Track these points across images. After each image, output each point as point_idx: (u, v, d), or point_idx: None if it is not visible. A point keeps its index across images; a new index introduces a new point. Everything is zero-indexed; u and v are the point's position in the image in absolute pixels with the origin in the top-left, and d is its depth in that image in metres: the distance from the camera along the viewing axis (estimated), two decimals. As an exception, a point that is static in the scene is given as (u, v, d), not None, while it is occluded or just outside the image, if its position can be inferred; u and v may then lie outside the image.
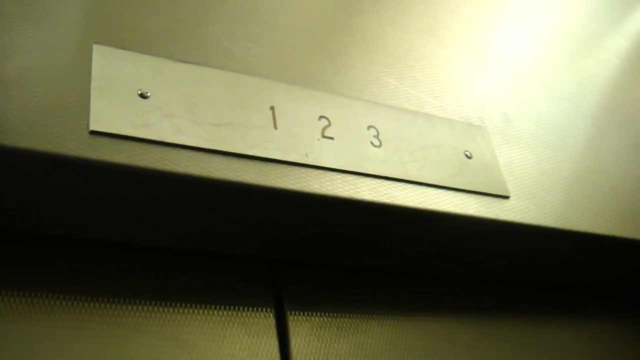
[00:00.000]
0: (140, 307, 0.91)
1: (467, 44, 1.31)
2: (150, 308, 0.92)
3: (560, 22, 1.55)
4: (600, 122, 1.39)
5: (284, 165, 0.91)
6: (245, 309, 0.98)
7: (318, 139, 0.96)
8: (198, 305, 0.95)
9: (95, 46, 0.87)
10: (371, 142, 1.01)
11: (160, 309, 0.92)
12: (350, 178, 0.96)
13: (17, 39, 0.83)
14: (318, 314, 1.04)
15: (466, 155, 1.10)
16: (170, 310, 0.93)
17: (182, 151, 0.85)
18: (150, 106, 0.86)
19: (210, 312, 0.96)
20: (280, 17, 1.09)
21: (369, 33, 1.19)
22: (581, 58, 1.49)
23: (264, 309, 1.00)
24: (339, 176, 0.95)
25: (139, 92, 0.86)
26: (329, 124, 0.99)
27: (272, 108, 0.95)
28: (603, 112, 1.41)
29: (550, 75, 1.40)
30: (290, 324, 1.01)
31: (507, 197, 1.10)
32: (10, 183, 0.80)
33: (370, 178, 0.98)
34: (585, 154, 1.29)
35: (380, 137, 1.02)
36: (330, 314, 1.05)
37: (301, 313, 1.03)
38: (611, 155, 1.33)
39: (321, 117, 0.99)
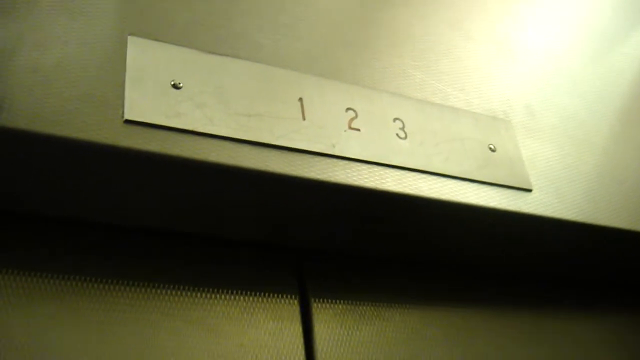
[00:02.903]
0: (168, 292, 0.93)
1: (493, 38, 1.31)
2: (179, 292, 0.94)
3: (585, 16, 1.54)
4: (624, 116, 1.38)
5: (311, 156, 0.93)
6: (270, 295, 1.00)
7: (345, 130, 0.98)
8: (225, 291, 0.97)
9: (129, 38, 0.89)
10: (397, 134, 1.02)
11: (188, 294, 0.94)
12: (376, 169, 0.97)
13: (54, 30, 0.85)
14: (341, 301, 1.05)
15: (490, 148, 1.11)
16: (198, 295, 0.95)
17: (213, 141, 0.86)
18: (182, 96, 0.87)
19: (236, 297, 0.97)
20: (309, 9, 1.10)
21: (396, 26, 1.19)
22: (606, 52, 1.49)
23: (288, 296, 1.02)
24: (364, 167, 0.96)
25: (172, 83, 0.88)
26: (356, 116, 1.00)
27: (300, 99, 0.97)
28: (627, 106, 1.41)
29: (575, 69, 1.39)
30: (313, 310, 1.02)
31: (529, 190, 1.11)
32: (48, 170, 0.82)
33: (396, 169, 0.99)
34: (608, 149, 1.29)
35: (405, 130, 1.04)
36: (353, 302, 1.06)
37: (325, 300, 1.04)
38: (634, 150, 1.32)
39: (348, 109, 1.00)
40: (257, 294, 0.99)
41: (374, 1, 1.22)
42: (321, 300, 1.04)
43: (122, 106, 0.83)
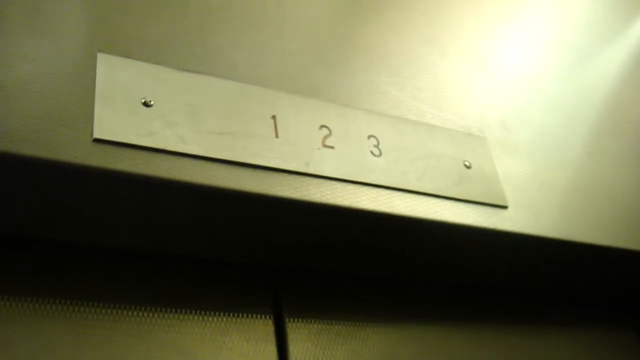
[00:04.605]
0: (139, 313, 0.92)
1: (469, 55, 1.31)
2: (150, 314, 0.92)
3: (559, 33, 1.55)
4: (598, 132, 1.39)
5: (284, 174, 0.92)
6: (244, 315, 0.99)
7: (319, 148, 0.97)
8: (197, 312, 0.95)
9: (99, 55, 0.88)
10: (371, 152, 1.02)
11: (160, 315, 0.93)
12: (350, 187, 0.96)
13: (21, 47, 0.83)
14: (316, 321, 1.04)
15: (465, 165, 1.11)
16: (170, 316, 0.93)
17: (185, 159, 0.85)
18: (153, 115, 0.86)
19: (209, 318, 0.96)
20: (283, 27, 1.09)
21: (371, 43, 1.19)
22: (580, 68, 1.50)
23: (262, 316, 1.00)
24: (339, 185, 0.95)
25: (143, 101, 0.87)
26: (330, 133, 0.99)
27: (273, 117, 0.96)
28: (601, 122, 1.42)
29: (550, 85, 1.40)
30: (288, 330, 1.01)
31: (505, 207, 1.11)
32: (14, 190, 0.80)
33: (370, 187, 0.98)
34: (583, 165, 1.29)
35: (380, 147, 1.03)
36: (329, 322, 1.05)
37: (300, 320, 1.03)
38: (609, 165, 1.33)
39: (322, 126, 0.99)
40: (231, 314, 0.98)
41: (349, 18, 1.22)
42: (296, 320, 1.03)
43: (91, 125, 0.81)
